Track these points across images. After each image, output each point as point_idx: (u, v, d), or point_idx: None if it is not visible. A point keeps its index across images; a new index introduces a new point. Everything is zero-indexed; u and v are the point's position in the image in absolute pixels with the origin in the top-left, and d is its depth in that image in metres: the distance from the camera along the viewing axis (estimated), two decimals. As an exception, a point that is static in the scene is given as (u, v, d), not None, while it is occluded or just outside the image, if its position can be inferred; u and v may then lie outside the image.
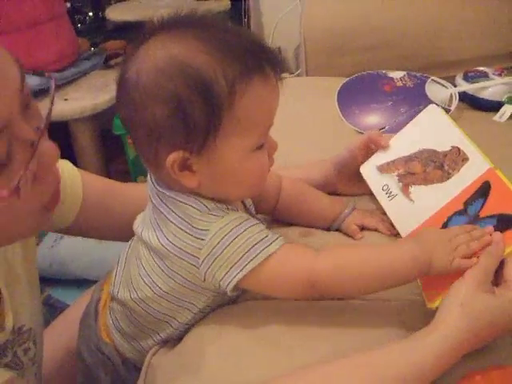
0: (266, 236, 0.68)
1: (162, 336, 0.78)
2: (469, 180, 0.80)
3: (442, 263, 0.67)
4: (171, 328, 0.77)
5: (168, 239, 0.70)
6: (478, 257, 0.67)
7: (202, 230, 0.67)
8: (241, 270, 0.67)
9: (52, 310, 1.42)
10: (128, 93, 0.65)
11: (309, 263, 0.68)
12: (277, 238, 0.68)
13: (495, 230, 0.70)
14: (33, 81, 0.56)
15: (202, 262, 0.68)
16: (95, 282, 0.93)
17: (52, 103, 0.58)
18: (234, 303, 0.80)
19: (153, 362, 0.76)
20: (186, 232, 0.68)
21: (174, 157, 0.65)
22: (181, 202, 0.69)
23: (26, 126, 0.55)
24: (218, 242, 0.66)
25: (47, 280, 1.57)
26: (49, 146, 0.57)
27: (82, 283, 1.59)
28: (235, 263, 0.66)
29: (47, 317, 1.04)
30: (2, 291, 0.70)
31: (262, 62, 0.65)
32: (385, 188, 0.89)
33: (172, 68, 0.63)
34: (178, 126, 0.63)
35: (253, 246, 0.67)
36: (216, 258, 0.67)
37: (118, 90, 0.68)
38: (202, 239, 0.67)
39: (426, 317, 0.72)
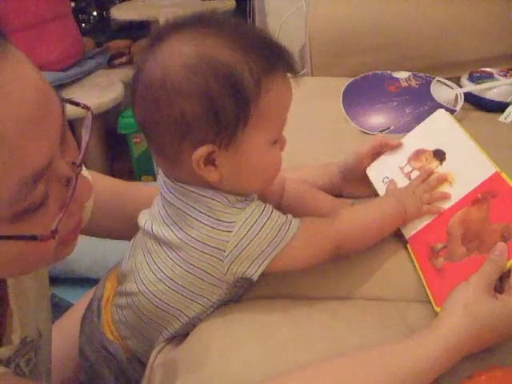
0: (286, 218, 0.72)
1: (170, 331, 0.78)
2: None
3: (414, 209, 0.81)
4: (179, 323, 0.77)
5: (187, 234, 0.71)
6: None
7: (227, 222, 0.69)
8: (270, 254, 0.70)
9: (56, 308, 1.42)
10: (151, 90, 0.66)
11: (331, 231, 0.75)
12: (292, 219, 0.73)
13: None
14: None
15: (229, 253, 0.69)
16: (98, 280, 0.93)
17: (89, 140, 0.57)
18: (238, 301, 0.80)
19: (157, 360, 0.76)
20: (208, 226, 0.69)
21: (202, 151, 0.66)
22: (202, 195, 0.70)
23: (64, 163, 0.53)
24: (247, 232, 0.69)
25: (51, 279, 1.57)
26: (83, 184, 0.56)
27: (85, 282, 1.59)
28: (265, 249, 0.69)
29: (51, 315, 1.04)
30: (11, 304, 0.69)
31: (280, 59, 0.68)
32: None
33: (200, 63, 0.64)
34: (209, 120, 0.65)
35: (279, 230, 0.70)
36: (244, 248, 0.69)
37: (135, 88, 0.68)
38: (229, 231, 0.69)
39: (430, 318, 0.72)
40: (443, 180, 0.83)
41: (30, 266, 0.59)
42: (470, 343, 0.64)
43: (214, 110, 0.64)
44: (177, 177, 0.72)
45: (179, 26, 0.67)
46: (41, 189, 0.50)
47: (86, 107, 0.59)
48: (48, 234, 0.51)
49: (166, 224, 0.73)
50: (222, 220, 0.69)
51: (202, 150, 0.66)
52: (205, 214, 0.70)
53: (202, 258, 0.71)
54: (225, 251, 0.69)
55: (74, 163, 0.55)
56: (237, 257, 0.69)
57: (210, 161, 0.67)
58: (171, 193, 0.73)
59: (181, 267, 0.73)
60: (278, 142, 0.72)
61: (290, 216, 0.72)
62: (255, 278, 0.71)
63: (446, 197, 0.82)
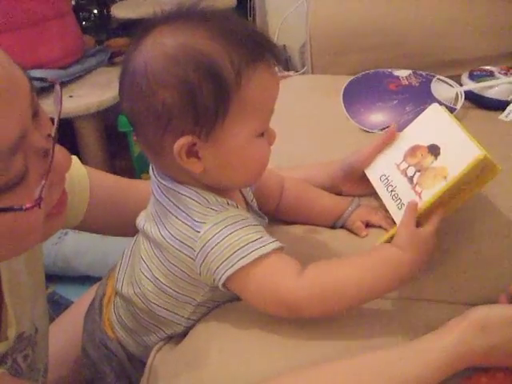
0: (261, 237, 0.68)
1: (166, 332, 0.79)
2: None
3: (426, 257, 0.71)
4: (174, 323, 0.78)
5: (168, 231, 0.71)
6: None
7: (198, 222, 0.68)
8: (231, 266, 0.67)
9: (56, 306, 1.43)
10: (135, 81, 0.66)
11: (291, 284, 0.67)
12: (271, 242, 0.68)
13: None
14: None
15: (197, 254, 0.68)
16: (99, 279, 0.93)
17: (60, 110, 0.59)
18: (238, 300, 0.80)
19: (156, 359, 0.77)
20: (185, 223, 0.69)
21: (182, 142, 0.65)
22: (182, 194, 0.70)
23: (39, 136, 0.55)
24: (213, 236, 0.67)
25: (51, 277, 1.58)
26: (61, 154, 0.58)
27: (85, 280, 1.60)
28: (226, 259, 0.67)
29: (51, 313, 1.04)
30: (6, 300, 0.70)
31: (263, 50, 0.67)
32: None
33: (181, 53, 0.64)
34: (188, 110, 0.64)
35: (246, 245, 0.67)
36: (209, 252, 0.67)
37: (122, 81, 0.69)
38: (198, 231, 0.68)
39: (432, 316, 0.72)
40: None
41: (21, 242, 0.59)
42: (479, 356, 0.63)
43: (193, 100, 0.64)
44: (164, 170, 0.72)
45: (164, 19, 0.68)
46: (19, 161, 0.52)
47: (52, 81, 0.61)
48: (32, 202, 0.53)
49: (155, 222, 0.73)
50: (194, 219, 0.69)
51: (182, 141, 0.65)
52: (183, 211, 0.70)
53: (179, 257, 0.71)
54: (195, 250, 0.69)
55: (49, 135, 0.57)
56: (204, 259, 0.68)
57: (192, 153, 0.67)
58: (160, 190, 0.73)
59: (164, 266, 0.73)
60: (266, 134, 0.71)
61: (270, 239, 0.68)
62: (219, 285, 0.69)
63: None
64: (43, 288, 0.84)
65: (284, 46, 2.02)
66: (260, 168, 0.73)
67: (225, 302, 0.79)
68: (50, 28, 1.92)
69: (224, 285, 0.69)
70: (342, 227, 0.91)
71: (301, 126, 1.22)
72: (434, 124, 0.90)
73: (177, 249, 0.70)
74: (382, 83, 1.31)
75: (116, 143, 2.18)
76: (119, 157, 2.24)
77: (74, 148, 1.98)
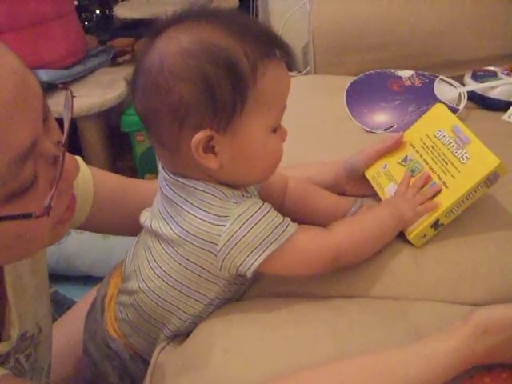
0: (284, 219, 0.71)
1: (170, 329, 0.79)
2: None
3: (410, 213, 0.80)
4: (180, 320, 0.78)
5: (183, 228, 0.71)
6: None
7: (221, 216, 0.69)
8: (263, 252, 0.69)
9: (58, 306, 1.43)
10: (150, 78, 0.67)
11: (329, 241, 0.74)
12: (290, 222, 0.72)
13: None
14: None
15: (222, 247, 0.69)
16: (101, 278, 0.93)
17: (71, 117, 0.58)
18: (240, 300, 0.81)
19: (160, 358, 0.76)
20: (202, 219, 0.70)
21: (200, 136, 0.66)
22: (199, 190, 0.71)
23: (49, 142, 0.55)
24: (240, 227, 0.68)
25: (53, 276, 1.57)
26: (70, 161, 0.58)
27: (88, 280, 1.60)
28: (257, 246, 0.69)
29: (53, 313, 1.04)
30: (9, 300, 0.70)
31: (275, 46, 0.70)
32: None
33: (197, 47, 0.65)
34: (206, 103, 0.65)
35: (274, 229, 0.69)
36: (237, 243, 0.69)
37: (135, 80, 0.69)
38: (223, 225, 0.69)
39: (433, 316, 0.72)
40: (427, 178, 0.84)
41: (28, 248, 0.60)
42: (482, 355, 0.63)
43: (211, 93, 0.65)
44: (177, 169, 0.73)
45: (177, 19, 0.69)
46: (30, 168, 0.52)
47: (64, 88, 0.61)
48: (42, 210, 0.53)
49: (164, 219, 0.74)
50: (215, 214, 0.69)
51: (200, 135, 0.66)
52: (199, 208, 0.70)
53: (197, 253, 0.71)
54: (217, 245, 0.69)
55: (59, 142, 0.57)
56: (229, 251, 0.69)
57: (209, 148, 0.68)
58: (170, 188, 0.73)
59: (177, 262, 0.73)
60: (278, 131, 0.72)
61: (287, 219, 0.72)
62: (249, 274, 0.71)
63: (436, 189, 0.82)
64: (47, 288, 0.84)
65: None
66: (273, 163, 0.74)
67: (228, 301, 0.79)
68: (53, 28, 1.93)
69: (254, 271, 0.71)
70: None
71: (304, 126, 1.22)
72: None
73: (194, 245, 0.71)
74: (384, 83, 1.31)
75: (119, 144, 2.18)
76: (122, 157, 2.24)
77: (76, 148, 1.98)
